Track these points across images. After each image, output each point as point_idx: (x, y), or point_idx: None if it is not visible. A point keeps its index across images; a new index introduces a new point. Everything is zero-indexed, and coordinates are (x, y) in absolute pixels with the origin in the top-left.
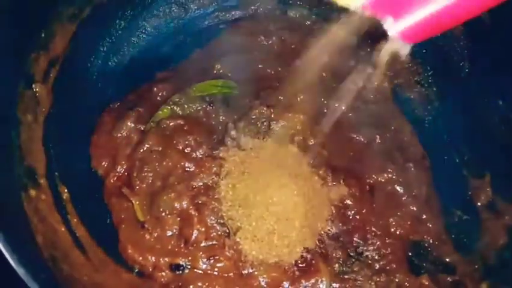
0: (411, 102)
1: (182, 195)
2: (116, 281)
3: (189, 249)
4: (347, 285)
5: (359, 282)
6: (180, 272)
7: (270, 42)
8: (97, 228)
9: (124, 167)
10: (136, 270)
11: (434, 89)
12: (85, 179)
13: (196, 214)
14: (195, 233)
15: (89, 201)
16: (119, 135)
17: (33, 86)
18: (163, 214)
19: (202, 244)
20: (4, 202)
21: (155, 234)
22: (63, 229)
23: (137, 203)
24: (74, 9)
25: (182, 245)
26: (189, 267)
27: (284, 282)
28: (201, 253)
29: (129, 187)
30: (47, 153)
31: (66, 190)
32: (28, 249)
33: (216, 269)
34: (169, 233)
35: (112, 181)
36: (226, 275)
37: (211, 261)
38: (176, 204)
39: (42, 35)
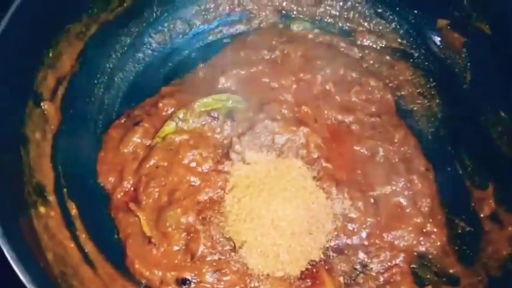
0: (414, 114)
1: (188, 210)
2: None
3: (195, 263)
4: None
5: None
6: (187, 286)
7: (273, 56)
8: (105, 243)
9: (131, 183)
10: (144, 285)
11: (437, 100)
12: (93, 194)
13: (202, 228)
14: (201, 248)
15: (96, 216)
16: (125, 150)
17: (42, 104)
18: (170, 229)
19: (208, 258)
20: (15, 220)
21: (162, 249)
22: (72, 245)
23: (143, 218)
24: (81, 26)
25: (188, 260)
26: (196, 281)
27: None
28: (207, 267)
29: (136, 202)
30: (55, 170)
31: (74, 206)
32: (40, 267)
33: (222, 283)
34: (176, 248)
35: (119, 196)
36: None
37: (218, 275)
38: (182, 219)
39: (50, 54)
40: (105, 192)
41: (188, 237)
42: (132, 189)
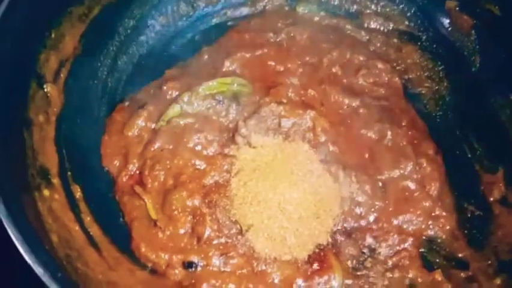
0: (422, 98)
1: (194, 193)
2: (130, 278)
3: (202, 246)
4: (360, 282)
5: (371, 278)
6: (193, 269)
7: (278, 39)
8: (110, 226)
9: (136, 166)
10: (150, 268)
11: (445, 84)
12: (97, 177)
13: (208, 212)
14: (208, 231)
15: (101, 200)
16: (130, 134)
17: (45, 86)
18: (175, 212)
19: (215, 241)
20: (20, 203)
21: (168, 232)
22: (77, 228)
23: (149, 201)
24: (84, 8)
25: (195, 243)
26: (202, 264)
27: (297, 279)
28: (214, 250)
29: (141, 185)
30: (59, 153)
31: (79, 189)
32: (44, 249)
33: (229, 266)
34: (182, 231)
35: (124, 180)
36: (239, 271)
37: (224, 258)
38: (188, 202)
39: (53, 35)
40: (110, 176)
41: (195, 221)
42: (137, 172)
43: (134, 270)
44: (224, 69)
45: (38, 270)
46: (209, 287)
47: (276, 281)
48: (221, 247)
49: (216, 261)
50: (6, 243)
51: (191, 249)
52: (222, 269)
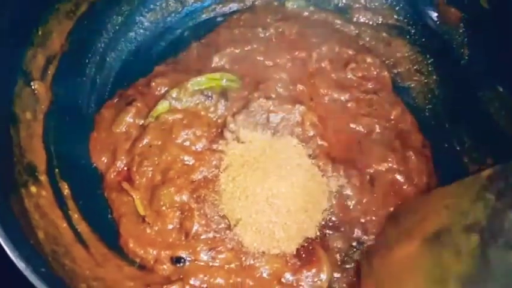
0: (411, 91)
1: (183, 189)
2: (118, 274)
3: (190, 241)
4: (349, 275)
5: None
6: (181, 264)
7: (267, 34)
8: (98, 223)
9: (124, 162)
10: (138, 264)
11: (434, 77)
12: (85, 174)
13: (196, 207)
14: (196, 226)
15: (89, 196)
16: (118, 130)
17: (32, 83)
18: (164, 208)
19: (203, 236)
20: (5, 199)
21: (156, 228)
22: (64, 225)
23: (137, 197)
24: (71, 5)
25: (183, 238)
26: (190, 259)
27: (286, 273)
28: (202, 245)
29: (129, 182)
30: (47, 150)
31: (66, 186)
32: (28, 244)
33: (217, 261)
34: (170, 227)
35: (112, 176)
36: (227, 266)
37: (213, 253)
38: (176, 198)
39: (39, 32)
40: (98, 172)
41: (183, 216)
42: (125, 168)
43: (122, 266)
44: (213, 65)
45: (20, 264)
46: (197, 282)
47: (264, 274)
48: (209, 242)
49: (204, 256)
50: None
51: (179, 244)
52: (210, 264)
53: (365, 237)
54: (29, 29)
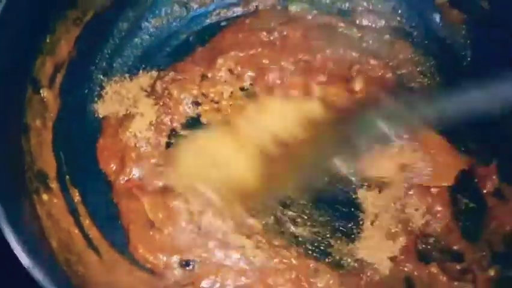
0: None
1: None
2: (130, 280)
3: (202, 238)
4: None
5: None
6: (191, 267)
7: (272, 37)
8: (109, 229)
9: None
10: (148, 269)
11: (438, 79)
12: (95, 180)
13: None
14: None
15: (100, 202)
16: (125, 137)
17: (41, 91)
18: (174, 212)
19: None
20: (18, 208)
21: (166, 232)
22: (76, 231)
23: (147, 203)
24: (78, 12)
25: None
26: (200, 261)
27: None
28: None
29: (139, 188)
30: (57, 157)
31: (77, 193)
32: (44, 254)
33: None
34: (180, 231)
35: (121, 182)
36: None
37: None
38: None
39: (48, 39)
40: (107, 178)
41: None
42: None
43: (134, 271)
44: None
45: (38, 275)
46: (208, 284)
47: None
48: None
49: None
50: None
51: (189, 247)
52: (223, 263)
53: None
54: (37, 36)
